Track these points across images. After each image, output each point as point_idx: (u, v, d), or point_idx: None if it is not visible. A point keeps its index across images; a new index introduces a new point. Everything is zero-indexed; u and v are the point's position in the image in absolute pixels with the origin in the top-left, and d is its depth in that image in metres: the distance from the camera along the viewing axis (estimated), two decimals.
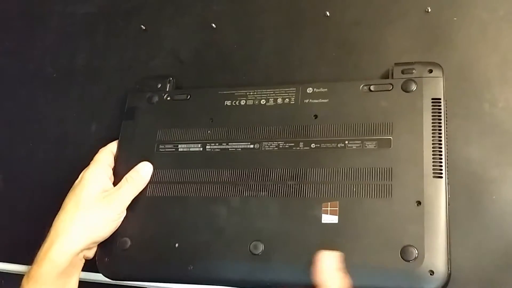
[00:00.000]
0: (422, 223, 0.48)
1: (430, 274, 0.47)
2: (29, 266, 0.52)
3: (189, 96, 0.60)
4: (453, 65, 0.55)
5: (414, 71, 0.53)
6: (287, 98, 0.56)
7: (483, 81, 0.55)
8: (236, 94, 0.58)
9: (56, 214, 0.54)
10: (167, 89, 0.61)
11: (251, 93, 0.58)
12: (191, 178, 0.56)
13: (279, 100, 0.56)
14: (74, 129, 0.68)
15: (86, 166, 0.57)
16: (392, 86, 0.53)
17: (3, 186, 0.70)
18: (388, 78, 0.54)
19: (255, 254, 0.51)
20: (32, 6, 0.76)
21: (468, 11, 0.55)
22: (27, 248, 0.51)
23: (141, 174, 0.56)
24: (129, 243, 0.55)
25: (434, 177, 0.49)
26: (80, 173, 0.56)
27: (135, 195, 0.55)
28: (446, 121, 0.52)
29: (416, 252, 0.47)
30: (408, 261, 0.47)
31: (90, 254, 0.55)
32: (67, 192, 0.55)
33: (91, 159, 0.57)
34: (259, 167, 0.54)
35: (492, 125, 0.55)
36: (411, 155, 0.50)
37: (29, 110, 0.70)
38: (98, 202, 0.53)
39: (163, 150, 0.58)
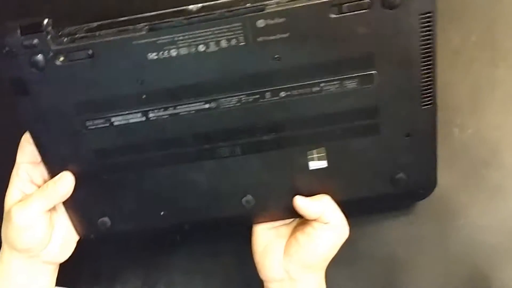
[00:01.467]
0: (411, 154, 0.48)
1: (421, 191, 0.51)
2: None
3: (91, 52, 0.44)
4: None
5: None
6: (233, 38, 0.42)
7: (453, 106, 0.55)
8: (159, 42, 0.43)
9: None
10: (50, 44, 0.43)
11: (180, 38, 0.43)
12: (143, 152, 0.48)
13: (223, 43, 0.43)
14: None
15: None
16: (371, 1, 0.41)
17: None
18: None
19: (248, 207, 0.51)
20: None
21: (441, 35, 0.49)
22: None
23: (58, 185, 0.49)
24: (109, 222, 0.52)
25: (423, 106, 0.46)
26: None
27: (48, 207, 0.49)
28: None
29: (407, 178, 0.49)
30: (399, 187, 0.50)
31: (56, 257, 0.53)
32: None
33: None
34: (226, 128, 0.47)
35: (461, 150, 0.56)
36: (398, 89, 0.45)
37: None
38: (14, 207, 0.48)
39: (93, 127, 0.47)
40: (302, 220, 0.53)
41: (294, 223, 0.54)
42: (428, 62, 0.44)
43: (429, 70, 0.44)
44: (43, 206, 0.48)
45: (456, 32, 0.54)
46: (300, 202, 0.50)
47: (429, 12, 0.42)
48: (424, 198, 0.52)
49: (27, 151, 0.50)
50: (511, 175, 0.56)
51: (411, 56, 0.44)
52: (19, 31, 0.43)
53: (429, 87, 0.45)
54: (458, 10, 0.54)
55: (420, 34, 0.43)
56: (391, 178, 0.50)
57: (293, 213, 0.51)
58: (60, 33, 0.44)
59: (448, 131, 0.56)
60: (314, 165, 0.49)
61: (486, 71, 0.55)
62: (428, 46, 0.43)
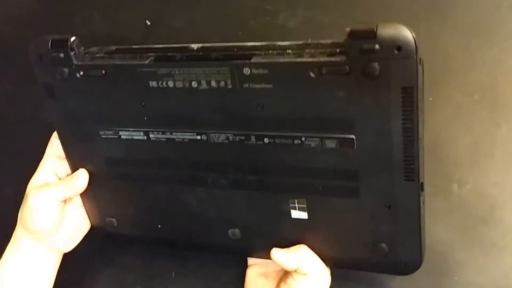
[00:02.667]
0: (393, 225, 0.47)
1: (403, 266, 0.49)
2: None
3: (104, 72, 0.50)
4: (426, 143, 0.49)
5: (376, 47, 0.40)
6: (222, 80, 0.45)
7: (453, 162, 0.56)
8: (159, 72, 0.47)
9: None
10: (73, 59, 0.50)
11: (176, 72, 0.47)
12: (144, 167, 0.54)
13: (213, 83, 0.46)
14: None
15: None
16: (349, 69, 0.41)
17: None
18: (343, 51, 0.41)
19: (234, 239, 0.55)
20: None
21: (444, 92, 0.55)
22: None
23: (74, 181, 0.56)
24: (115, 223, 0.59)
25: (405, 180, 0.45)
26: None
27: (62, 197, 0.56)
28: (423, 112, 0.42)
29: (388, 249, 0.48)
30: (380, 256, 0.49)
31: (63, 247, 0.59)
32: None
33: None
34: (215, 161, 0.51)
35: (459, 206, 0.56)
36: (378, 157, 0.44)
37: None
38: (32, 190, 0.56)
39: (105, 136, 0.53)
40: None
41: (282, 271, 0.56)
42: (410, 137, 0.43)
43: (411, 145, 0.43)
44: (57, 195, 0.56)
45: (459, 90, 0.55)
46: (276, 255, 0.51)
47: (410, 87, 0.41)
48: (407, 274, 0.50)
49: (56, 146, 0.58)
50: (508, 233, 0.54)
51: (391, 128, 0.43)
52: (50, 44, 0.51)
53: (410, 162, 0.44)
54: (462, 68, 0.54)
55: (402, 108, 0.41)
56: (372, 246, 0.49)
57: None
58: (86, 51, 0.51)
59: (447, 186, 0.56)
60: (295, 214, 0.51)
61: (487, 129, 0.55)
62: (410, 120, 0.42)
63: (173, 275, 0.64)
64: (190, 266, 0.64)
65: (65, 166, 0.58)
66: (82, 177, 0.57)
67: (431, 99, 0.56)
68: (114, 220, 0.59)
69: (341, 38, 0.42)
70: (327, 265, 0.52)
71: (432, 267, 0.55)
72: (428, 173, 0.53)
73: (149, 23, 0.64)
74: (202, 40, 0.51)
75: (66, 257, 0.61)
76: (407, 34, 0.39)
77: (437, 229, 0.55)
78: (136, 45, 0.50)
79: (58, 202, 0.56)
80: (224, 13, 0.62)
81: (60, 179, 0.58)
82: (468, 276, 0.55)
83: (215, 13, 0.62)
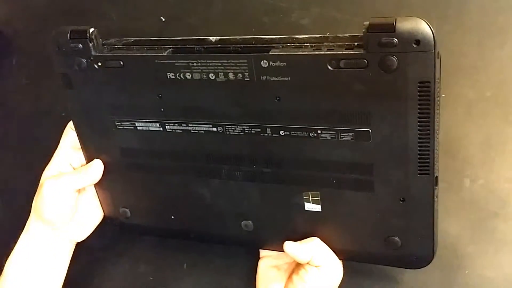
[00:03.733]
0: (406, 219, 0.48)
1: (415, 260, 0.50)
2: None
3: (122, 63, 0.51)
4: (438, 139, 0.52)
5: (395, 41, 0.41)
6: (239, 72, 0.46)
7: (465, 158, 0.57)
8: (177, 64, 0.48)
9: None
10: (91, 50, 0.51)
11: (194, 64, 0.48)
12: (160, 158, 0.55)
13: (231, 75, 0.47)
14: None
15: None
16: (367, 62, 0.42)
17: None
18: (361, 45, 0.42)
19: (247, 231, 0.55)
20: None
21: (456, 89, 0.56)
22: None
23: (89, 171, 0.57)
24: (129, 213, 0.60)
25: (420, 174, 0.45)
26: None
27: (76, 186, 0.57)
28: (439, 106, 0.43)
29: (400, 242, 0.49)
30: (392, 250, 0.50)
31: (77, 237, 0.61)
32: None
33: None
34: (230, 153, 0.52)
35: (470, 201, 0.57)
36: (394, 151, 0.45)
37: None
38: (47, 179, 0.57)
39: (121, 127, 0.54)
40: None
41: (294, 263, 0.57)
42: (426, 131, 0.43)
43: (426, 139, 0.44)
44: (72, 184, 0.57)
45: (471, 86, 0.56)
46: (289, 247, 0.52)
47: (427, 81, 0.41)
48: (419, 268, 0.51)
49: (70, 137, 0.59)
50: None
51: (407, 122, 0.43)
52: (69, 35, 0.52)
53: (426, 155, 0.44)
54: (474, 65, 0.55)
55: (418, 102, 0.42)
56: (385, 239, 0.50)
57: None
58: (104, 42, 0.52)
59: (459, 182, 0.57)
60: (309, 207, 0.52)
61: (499, 125, 0.56)
62: (426, 114, 0.43)
63: (184, 267, 0.65)
64: (201, 258, 0.65)
65: (79, 156, 0.59)
66: (97, 167, 0.58)
67: (443, 95, 0.55)
68: (127, 210, 0.60)
69: (359, 32, 0.43)
70: (339, 258, 0.53)
71: (444, 261, 0.56)
72: (441, 169, 0.53)
73: (164, 20, 0.65)
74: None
75: (79, 249, 0.62)
76: (425, 28, 0.40)
77: (449, 223, 0.56)
78: (154, 37, 0.52)
79: (72, 191, 0.57)
80: (238, 10, 0.63)
81: (74, 169, 0.59)
82: (479, 270, 0.56)
83: (229, 10, 0.63)
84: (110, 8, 0.68)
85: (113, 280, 0.68)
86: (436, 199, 0.47)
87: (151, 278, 0.66)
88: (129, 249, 0.68)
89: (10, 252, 0.58)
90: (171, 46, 0.50)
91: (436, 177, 0.46)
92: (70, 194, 0.57)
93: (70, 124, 0.59)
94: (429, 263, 0.50)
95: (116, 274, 0.68)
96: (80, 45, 0.51)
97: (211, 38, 0.49)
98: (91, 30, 0.51)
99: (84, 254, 0.66)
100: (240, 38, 0.48)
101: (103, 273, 0.69)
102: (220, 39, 0.48)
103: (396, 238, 0.50)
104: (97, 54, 0.51)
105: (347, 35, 0.44)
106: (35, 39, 0.72)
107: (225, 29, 0.62)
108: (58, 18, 0.71)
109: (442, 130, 0.54)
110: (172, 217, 0.59)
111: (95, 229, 0.62)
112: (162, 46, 0.50)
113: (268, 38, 0.47)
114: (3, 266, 0.58)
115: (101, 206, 0.61)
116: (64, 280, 0.61)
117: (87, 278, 0.69)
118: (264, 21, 0.62)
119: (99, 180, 0.58)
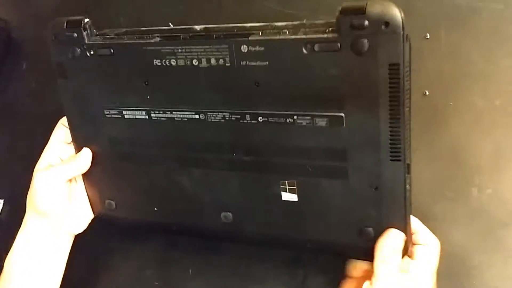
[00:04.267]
0: (380, 208, 0.48)
1: None
2: None
3: (112, 51, 0.53)
4: (446, 147, 0.56)
5: (366, 23, 0.43)
6: (220, 58, 0.48)
7: (473, 167, 0.57)
8: (163, 51, 0.51)
9: None
10: (85, 38, 0.54)
11: (179, 50, 0.50)
12: (145, 147, 0.56)
13: (213, 61, 0.49)
14: None
15: None
16: (340, 45, 0.44)
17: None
18: (335, 30, 0.44)
19: (226, 223, 0.56)
20: None
21: (465, 97, 0.56)
22: None
23: (77, 160, 0.58)
24: (114, 205, 0.61)
25: (391, 160, 0.46)
26: None
27: (67, 176, 0.58)
28: (409, 91, 0.44)
29: (373, 233, 0.49)
30: (366, 241, 0.50)
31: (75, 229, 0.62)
32: None
33: None
34: (212, 141, 0.53)
35: (478, 210, 0.56)
36: (366, 136, 0.46)
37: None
38: (38, 172, 0.58)
39: (109, 116, 0.56)
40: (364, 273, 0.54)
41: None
42: (397, 115, 0.44)
43: (397, 124, 0.45)
44: (62, 175, 0.58)
45: (480, 95, 0.55)
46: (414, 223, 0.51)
47: (397, 63, 0.43)
48: None
49: (61, 131, 0.60)
50: None
51: (379, 106, 0.45)
52: (65, 24, 0.55)
53: (397, 141, 0.45)
54: (482, 74, 0.55)
55: (389, 85, 0.43)
56: (359, 230, 0.50)
57: (274, 242, 0.54)
58: (97, 33, 0.55)
59: (467, 191, 0.57)
60: (286, 196, 0.52)
61: (508, 134, 0.55)
62: (396, 97, 0.44)
63: (190, 272, 0.65)
64: (206, 263, 0.65)
65: (69, 150, 0.61)
66: (85, 156, 0.59)
67: (451, 104, 0.57)
68: (113, 202, 0.61)
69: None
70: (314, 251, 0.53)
71: (451, 271, 0.56)
72: (448, 178, 0.56)
73: (172, 26, 0.67)
74: None
75: (83, 251, 0.63)
76: (394, 10, 0.42)
77: (456, 233, 0.56)
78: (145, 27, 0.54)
79: (62, 182, 0.59)
80: (245, 17, 0.62)
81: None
82: (487, 280, 0.56)
83: (236, 17, 0.63)
84: (119, 13, 0.71)
85: (118, 285, 0.69)
86: (408, 187, 0.47)
87: (156, 283, 0.67)
88: (134, 253, 0.68)
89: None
90: (159, 34, 0.52)
91: (408, 164, 0.47)
92: (61, 184, 0.59)
93: (62, 120, 0.61)
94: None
95: (120, 278, 0.69)
96: (75, 34, 0.54)
97: (196, 26, 0.51)
98: (86, 20, 0.54)
99: (89, 258, 0.68)
100: (223, 26, 0.50)
101: (108, 277, 0.70)
102: (204, 27, 0.51)
103: (370, 229, 0.50)
104: (90, 42, 0.54)
105: (322, 21, 0.46)
106: (44, 44, 0.76)
107: None
108: None
109: (450, 139, 0.57)
110: (155, 209, 0.60)
111: (99, 232, 0.63)
112: (151, 35, 0.52)
113: (250, 26, 0.49)
114: (3, 264, 0.59)
115: (89, 200, 0.62)
116: (69, 285, 0.61)
117: (91, 282, 0.69)
118: None
119: (87, 172, 0.60)
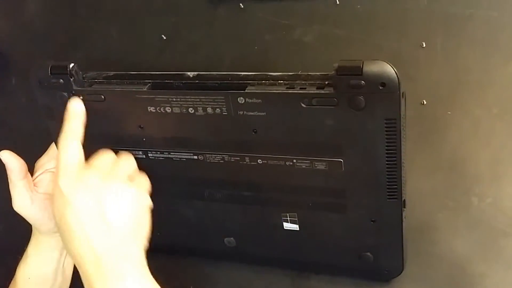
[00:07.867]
0: (378, 237, 0.53)
1: (386, 273, 0.55)
2: None
3: (103, 97, 0.53)
4: (445, 157, 0.56)
5: (362, 83, 0.44)
6: (217, 107, 0.49)
7: (473, 176, 0.57)
8: (157, 99, 0.51)
9: None
10: (73, 85, 0.53)
11: (173, 99, 0.51)
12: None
13: (209, 110, 0.50)
14: None
15: None
16: (337, 101, 0.45)
17: None
18: (332, 84, 0.46)
19: (230, 247, 0.60)
20: None
21: (462, 106, 0.56)
22: None
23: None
24: None
25: (389, 199, 0.49)
26: None
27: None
28: (405, 138, 0.47)
29: (372, 257, 0.54)
30: (366, 264, 0.54)
31: None
32: None
33: None
34: (211, 178, 0.55)
35: (479, 220, 0.57)
36: (364, 178, 0.49)
37: None
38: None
39: None
40: None
41: None
42: (393, 162, 0.47)
43: (394, 168, 0.48)
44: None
45: (477, 104, 0.56)
46: None
47: (393, 119, 0.45)
48: (389, 279, 0.56)
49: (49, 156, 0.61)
50: None
51: (376, 155, 0.48)
52: (49, 70, 0.54)
53: (394, 183, 0.49)
54: (480, 82, 0.55)
55: (386, 137, 0.46)
56: (359, 255, 0.55)
57: (276, 263, 0.59)
58: (84, 76, 0.54)
59: (467, 200, 0.59)
60: (287, 226, 0.56)
61: (507, 143, 0.56)
62: (393, 148, 0.47)
63: None
64: (207, 279, 0.67)
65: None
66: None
67: (449, 113, 0.57)
68: None
69: (330, 70, 0.46)
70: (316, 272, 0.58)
71: (452, 280, 0.58)
72: (448, 187, 0.58)
73: (165, 38, 0.65)
74: (218, 55, 0.56)
75: None
76: (390, 71, 0.44)
77: (457, 242, 0.58)
78: (134, 71, 0.54)
79: (28, 202, 0.59)
80: (240, 27, 0.62)
81: None
82: None
83: (231, 28, 0.62)
84: (111, 26, 0.68)
85: None
86: (404, 219, 0.51)
87: None
88: None
89: None
90: (150, 80, 0.52)
91: (404, 200, 0.50)
92: (28, 205, 0.58)
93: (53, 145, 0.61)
94: (399, 275, 0.55)
95: None
96: (61, 80, 0.54)
97: (189, 73, 0.52)
98: (71, 65, 0.54)
99: None
100: (217, 74, 0.51)
101: None
102: (198, 74, 0.51)
103: (369, 254, 0.54)
104: (78, 88, 0.54)
105: (318, 73, 0.47)
106: (34, 59, 0.73)
107: (227, 47, 0.62)
108: (58, 38, 0.71)
109: (449, 148, 0.58)
110: (158, 234, 0.62)
111: None
112: (141, 81, 0.53)
113: (243, 74, 0.50)
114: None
115: None
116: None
117: None
118: (266, 39, 0.61)
119: None
